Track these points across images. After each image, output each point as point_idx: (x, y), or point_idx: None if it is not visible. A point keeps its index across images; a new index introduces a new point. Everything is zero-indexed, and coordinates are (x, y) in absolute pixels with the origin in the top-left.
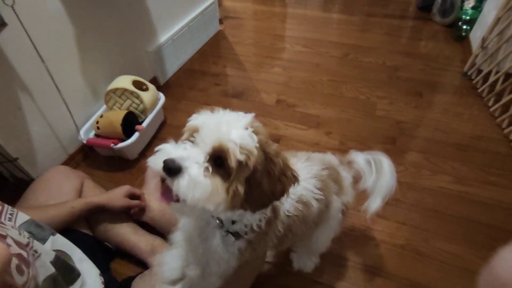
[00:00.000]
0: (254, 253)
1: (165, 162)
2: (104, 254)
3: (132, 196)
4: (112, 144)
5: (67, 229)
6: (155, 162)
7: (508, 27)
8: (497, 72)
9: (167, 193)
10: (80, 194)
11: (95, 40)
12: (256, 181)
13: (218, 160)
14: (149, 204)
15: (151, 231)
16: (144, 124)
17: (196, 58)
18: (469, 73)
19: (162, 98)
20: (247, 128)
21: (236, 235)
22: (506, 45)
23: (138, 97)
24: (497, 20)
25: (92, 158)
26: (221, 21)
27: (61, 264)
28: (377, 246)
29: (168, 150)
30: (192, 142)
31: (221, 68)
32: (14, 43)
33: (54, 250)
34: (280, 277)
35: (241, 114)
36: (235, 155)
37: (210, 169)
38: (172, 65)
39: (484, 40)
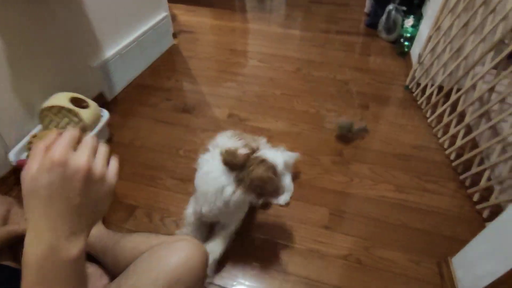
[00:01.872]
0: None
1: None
2: None
3: None
4: None
5: None
6: None
7: (438, 45)
8: (432, 85)
9: None
10: (6, 221)
11: (28, 54)
12: None
13: None
14: None
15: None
16: None
17: (148, 72)
18: (410, 86)
19: (106, 115)
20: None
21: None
22: (437, 61)
23: (76, 115)
24: (429, 38)
25: None
26: (175, 35)
27: None
28: (321, 258)
29: None
30: None
31: (173, 82)
32: None
33: None
34: None
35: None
36: None
37: None
38: (121, 81)
39: (420, 56)
